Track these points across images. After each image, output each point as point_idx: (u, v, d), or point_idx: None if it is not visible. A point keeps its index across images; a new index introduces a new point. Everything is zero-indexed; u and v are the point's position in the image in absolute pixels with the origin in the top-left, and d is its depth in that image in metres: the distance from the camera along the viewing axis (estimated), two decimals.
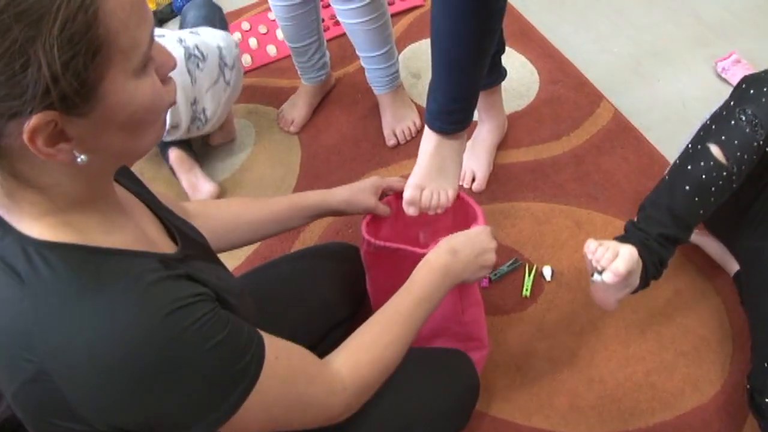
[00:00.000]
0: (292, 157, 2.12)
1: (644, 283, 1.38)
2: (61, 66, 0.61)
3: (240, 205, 1.33)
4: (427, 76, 1.40)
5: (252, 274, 1.49)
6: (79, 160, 0.69)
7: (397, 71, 2.05)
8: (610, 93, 2.19)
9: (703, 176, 1.32)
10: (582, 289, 1.76)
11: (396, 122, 2.09)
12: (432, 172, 1.44)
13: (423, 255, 1.22)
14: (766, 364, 1.40)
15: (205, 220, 1.21)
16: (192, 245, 0.97)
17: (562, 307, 1.74)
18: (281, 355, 0.89)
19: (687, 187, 1.34)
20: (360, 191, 1.38)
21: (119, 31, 0.65)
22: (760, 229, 1.51)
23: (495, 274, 1.78)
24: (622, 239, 1.37)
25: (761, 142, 1.30)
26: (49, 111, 0.63)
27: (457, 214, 1.48)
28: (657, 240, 1.36)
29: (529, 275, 1.78)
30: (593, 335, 1.68)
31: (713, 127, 1.35)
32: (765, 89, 1.30)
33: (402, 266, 1.23)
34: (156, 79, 0.73)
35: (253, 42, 2.43)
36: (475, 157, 1.97)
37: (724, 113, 1.35)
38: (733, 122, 1.31)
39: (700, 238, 1.77)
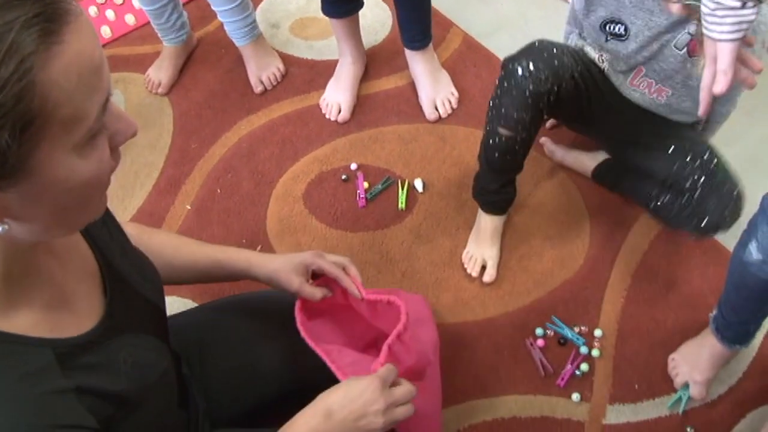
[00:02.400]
0: (164, 117, 2.15)
1: None
2: None
3: (166, 245, 1.21)
4: (286, 24, 1.46)
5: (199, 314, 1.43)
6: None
7: (254, 21, 2.11)
8: (459, 20, 2.32)
9: (496, 154, 1.57)
10: (453, 195, 1.89)
11: (261, 70, 2.15)
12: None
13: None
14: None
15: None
16: (128, 307, 0.88)
17: (437, 213, 1.87)
18: None
19: (496, 155, 1.57)
20: (284, 270, 1.20)
21: (61, 103, 0.56)
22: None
23: (371, 194, 1.89)
24: None
25: (542, 87, 1.43)
26: None
27: (385, 314, 1.22)
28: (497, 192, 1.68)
29: (403, 190, 1.89)
30: (467, 234, 1.80)
31: (492, 112, 1.52)
32: (522, 57, 1.45)
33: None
34: (104, 151, 0.65)
35: (110, 14, 2.44)
36: (341, 90, 2.07)
37: (498, 92, 1.50)
38: (505, 97, 1.47)
39: (560, 153, 1.91)
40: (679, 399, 1.53)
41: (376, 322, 1.25)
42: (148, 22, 2.21)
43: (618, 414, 1.55)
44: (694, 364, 1.51)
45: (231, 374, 1.31)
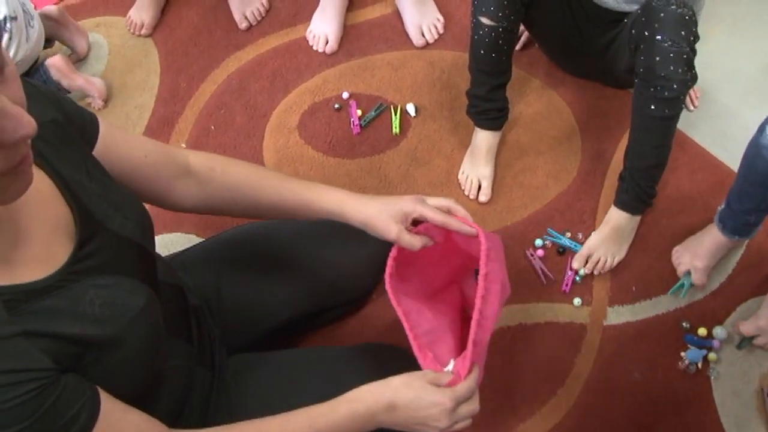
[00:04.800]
0: (150, 57, 2.15)
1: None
2: None
3: (249, 179, 1.14)
4: None
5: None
6: None
7: None
8: None
9: (482, 51, 1.62)
10: (445, 117, 1.92)
11: (244, 6, 2.15)
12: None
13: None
14: None
15: (205, 183, 1.12)
16: (101, 250, 0.85)
17: (431, 136, 1.90)
18: None
19: (482, 51, 1.62)
20: (380, 217, 1.09)
21: None
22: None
23: (364, 120, 1.91)
24: None
25: None
26: None
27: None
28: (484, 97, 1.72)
29: (396, 115, 1.92)
30: (462, 154, 1.85)
31: (475, 2, 1.58)
32: None
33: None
34: None
35: None
36: (326, 21, 2.07)
37: None
38: None
39: None
40: (682, 285, 1.62)
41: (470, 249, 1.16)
42: None
43: (618, 315, 1.62)
44: (696, 252, 1.61)
45: (246, 304, 1.35)
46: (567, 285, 1.64)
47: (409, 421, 0.99)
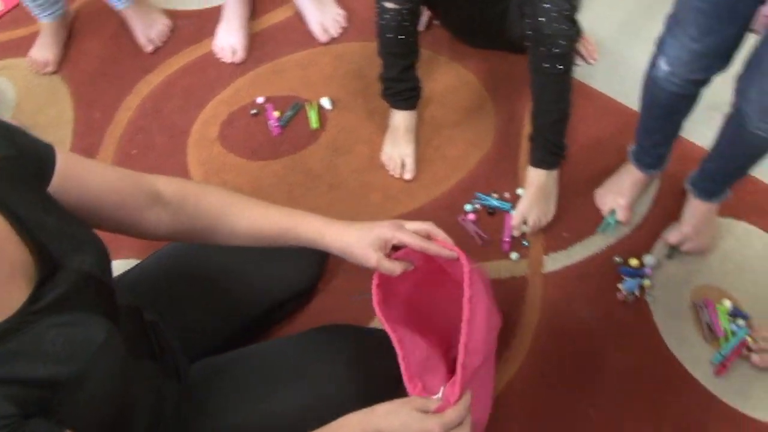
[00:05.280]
0: (60, 94, 2.14)
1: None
2: None
3: (224, 208, 1.11)
4: None
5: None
6: None
7: None
8: None
9: (389, 35, 1.69)
10: (360, 106, 1.98)
11: (148, 29, 2.16)
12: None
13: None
14: None
15: (177, 213, 1.08)
16: (60, 288, 0.84)
17: (349, 125, 1.96)
18: None
19: (389, 35, 1.69)
20: (359, 245, 1.08)
21: None
22: None
23: (283, 121, 1.95)
24: None
25: None
26: None
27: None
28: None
29: (312, 110, 1.97)
30: (381, 138, 1.90)
31: None
32: None
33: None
34: None
35: None
36: (231, 32, 2.11)
37: None
38: None
39: None
40: (608, 224, 1.71)
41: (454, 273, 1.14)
42: (18, 4, 2.18)
43: (554, 262, 1.69)
44: (618, 191, 1.71)
45: (199, 311, 1.36)
46: (507, 242, 1.71)
47: None
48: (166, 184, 1.08)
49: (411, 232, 1.08)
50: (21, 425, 0.71)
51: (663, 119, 1.53)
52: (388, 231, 1.07)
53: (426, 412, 0.96)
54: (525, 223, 1.70)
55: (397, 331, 1.08)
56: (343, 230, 1.10)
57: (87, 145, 2.01)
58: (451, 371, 1.08)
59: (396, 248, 1.10)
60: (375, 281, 1.10)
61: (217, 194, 1.13)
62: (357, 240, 1.08)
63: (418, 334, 1.15)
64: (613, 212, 1.71)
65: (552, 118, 1.64)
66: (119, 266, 1.73)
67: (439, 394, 1.02)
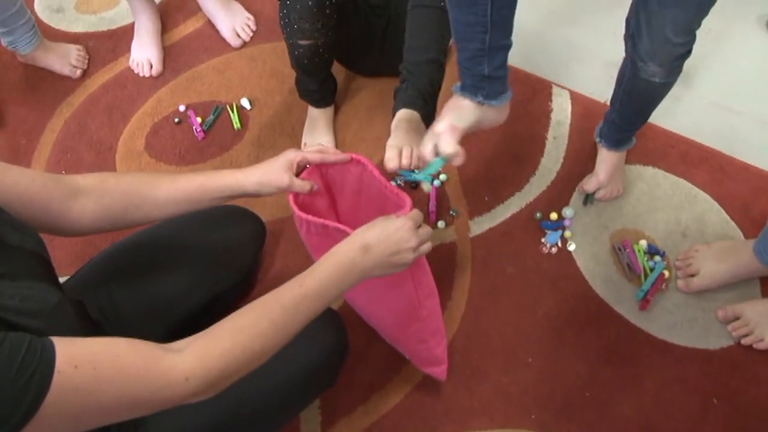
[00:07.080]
0: None
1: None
2: None
3: (141, 181, 1.19)
4: (70, 6, 1.49)
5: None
6: None
7: (34, 25, 2.10)
8: None
9: (305, 61, 1.74)
10: (278, 102, 2.05)
11: (65, 59, 2.16)
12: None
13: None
14: None
15: (100, 197, 1.13)
16: (9, 259, 0.91)
17: (270, 121, 2.02)
18: (83, 363, 0.81)
19: (305, 61, 1.74)
20: (272, 171, 1.22)
21: None
22: None
23: (206, 125, 2.00)
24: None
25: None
26: None
27: (383, 198, 1.27)
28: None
29: (233, 112, 2.03)
30: (302, 129, 1.96)
31: (287, 30, 1.67)
32: None
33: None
34: None
35: None
36: (145, 47, 2.15)
37: (284, 10, 1.64)
38: (292, 13, 1.62)
39: None
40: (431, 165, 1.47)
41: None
42: None
43: (479, 225, 1.78)
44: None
45: (142, 307, 1.39)
46: (432, 212, 1.79)
47: (385, 252, 1.09)
48: (84, 177, 1.14)
49: (310, 151, 1.27)
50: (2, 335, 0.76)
51: (644, 105, 1.60)
52: (291, 154, 1.24)
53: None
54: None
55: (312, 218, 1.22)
56: (253, 168, 1.23)
57: None
58: None
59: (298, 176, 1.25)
60: (291, 199, 1.23)
61: (134, 174, 1.26)
62: (268, 168, 1.22)
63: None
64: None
65: (427, 57, 1.58)
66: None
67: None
